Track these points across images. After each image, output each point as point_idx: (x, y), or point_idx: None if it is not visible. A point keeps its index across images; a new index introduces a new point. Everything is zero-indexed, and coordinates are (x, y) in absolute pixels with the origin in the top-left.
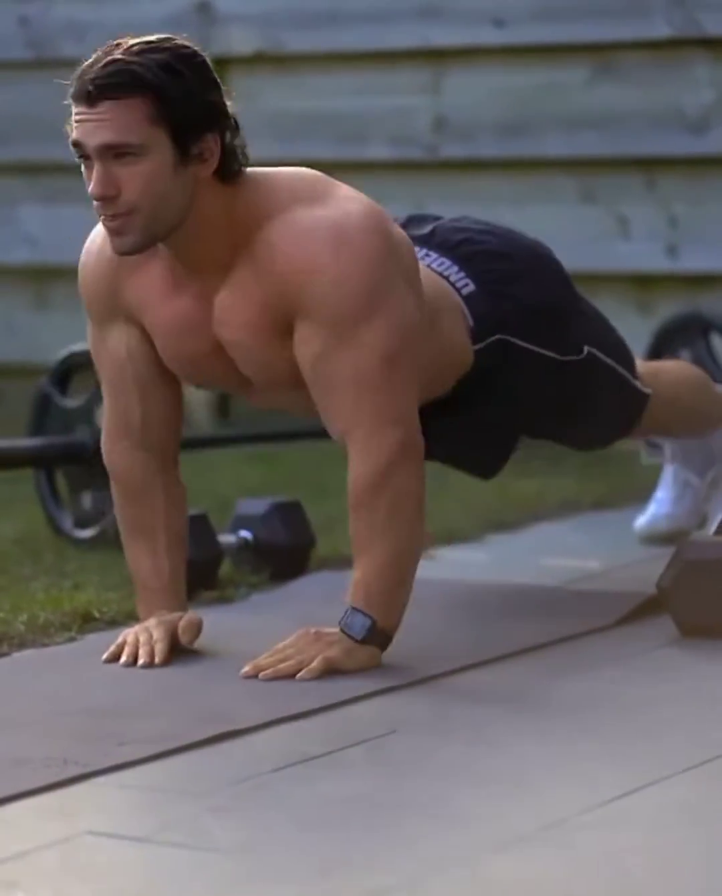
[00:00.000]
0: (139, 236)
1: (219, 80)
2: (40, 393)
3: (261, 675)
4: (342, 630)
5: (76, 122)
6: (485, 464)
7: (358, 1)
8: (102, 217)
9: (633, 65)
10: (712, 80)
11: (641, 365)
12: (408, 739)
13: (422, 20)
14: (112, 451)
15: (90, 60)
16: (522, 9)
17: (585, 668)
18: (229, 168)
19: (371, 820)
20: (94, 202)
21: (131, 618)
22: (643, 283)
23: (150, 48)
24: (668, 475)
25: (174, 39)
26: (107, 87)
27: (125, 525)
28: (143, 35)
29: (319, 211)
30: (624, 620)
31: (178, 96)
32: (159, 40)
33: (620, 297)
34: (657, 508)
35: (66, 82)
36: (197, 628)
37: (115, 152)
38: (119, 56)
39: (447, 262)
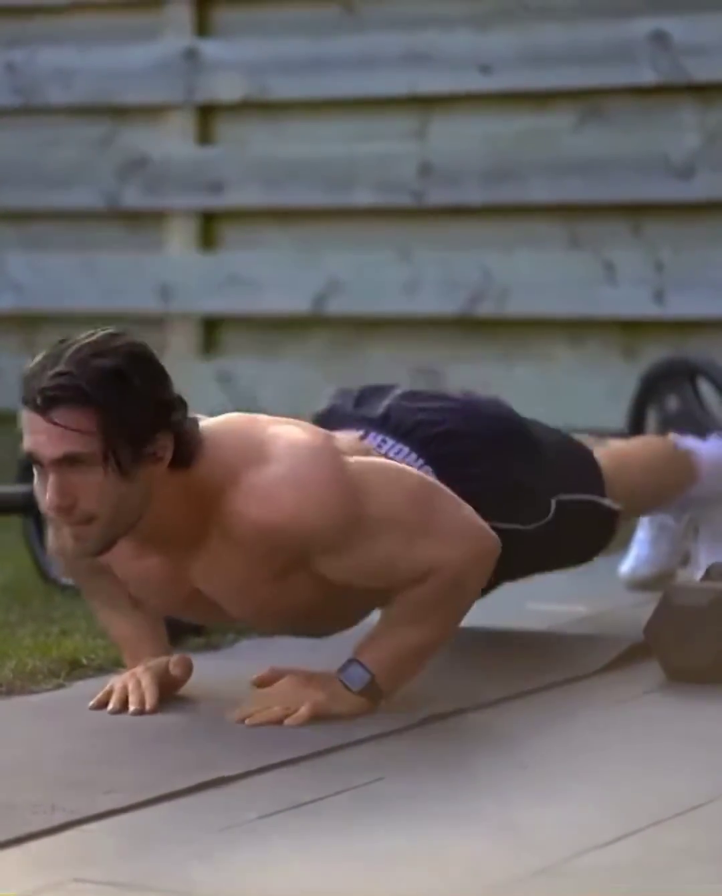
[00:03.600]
0: (99, 541)
1: (166, 373)
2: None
3: (247, 721)
4: (339, 678)
5: (28, 431)
6: None
7: (344, 47)
8: (62, 525)
9: (619, 111)
10: (698, 125)
11: (605, 461)
12: (395, 785)
13: (408, 66)
14: (57, 560)
15: (37, 363)
16: (508, 55)
17: (574, 713)
18: (183, 456)
19: (358, 866)
20: (50, 512)
21: (119, 665)
22: (630, 329)
23: (97, 353)
24: (644, 518)
25: (120, 337)
26: (56, 400)
27: (90, 598)
28: (92, 333)
29: (269, 467)
30: (611, 665)
31: (128, 405)
32: (107, 339)
33: (607, 343)
34: (637, 552)
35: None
36: (188, 665)
37: (69, 462)
38: (65, 368)
39: (405, 450)
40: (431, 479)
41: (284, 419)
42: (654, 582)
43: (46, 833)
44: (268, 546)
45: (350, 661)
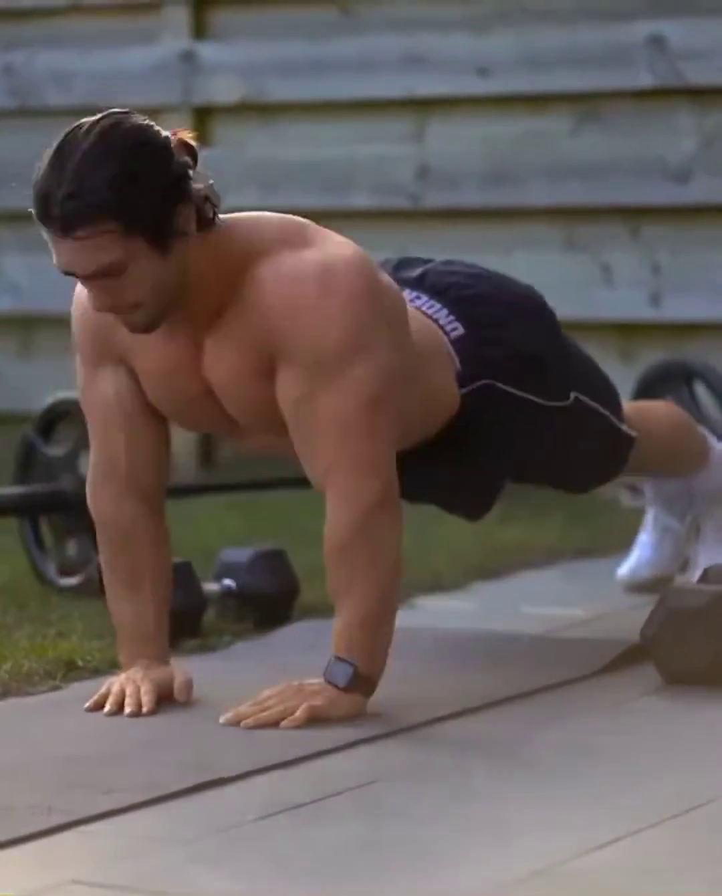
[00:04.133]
0: (152, 320)
1: (168, 148)
2: (24, 441)
3: (243, 723)
4: (326, 679)
5: (54, 248)
6: (472, 506)
7: (342, 50)
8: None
9: (616, 114)
10: (696, 129)
11: (626, 406)
12: (392, 788)
13: (406, 69)
14: (98, 497)
15: (45, 180)
16: (505, 58)
17: (570, 716)
18: (206, 218)
19: (356, 868)
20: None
21: (115, 666)
22: (626, 332)
23: (98, 161)
24: (648, 519)
25: (119, 127)
26: (73, 221)
27: (109, 572)
28: (85, 126)
29: (306, 253)
30: (608, 668)
31: (142, 200)
32: (105, 135)
33: (603, 346)
34: (639, 554)
35: (26, 201)
36: (191, 687)
37: (104, 272)
38: (72, 190)
39: (437, 306)
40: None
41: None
42: (652, 584)
43: (44, 834)
44: (265, 329)
45: (329, 661)
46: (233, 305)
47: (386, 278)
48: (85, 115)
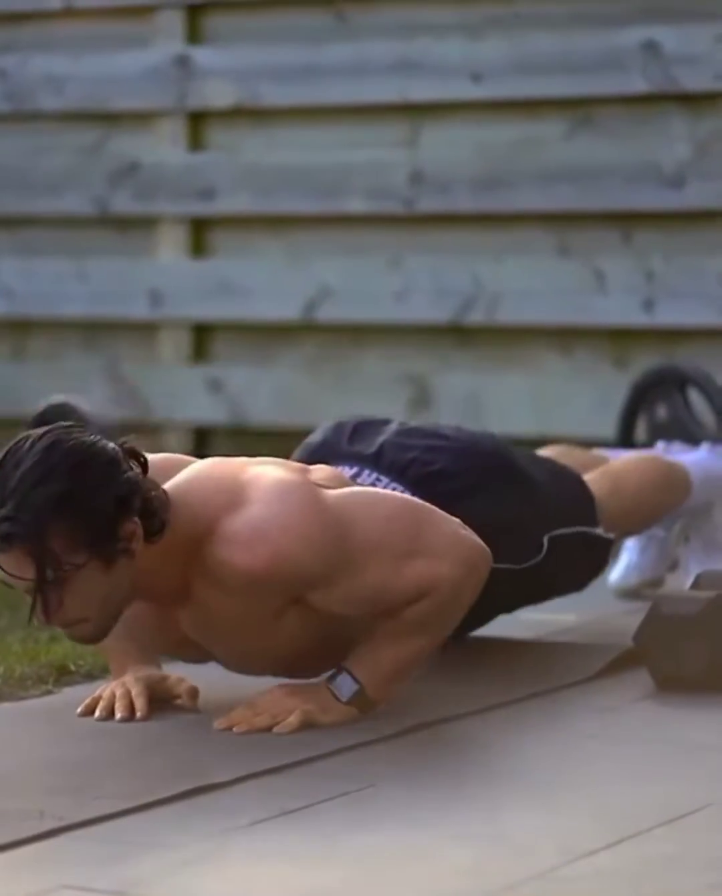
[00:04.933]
0: (98, 632)
1: (116, 462)
2: None
3: (235, 728)
4: (328, 687)
5: None
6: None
7: (336, 55)
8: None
9: (609, 120)
10: (689, 134)
11: (600, 481)
12: (385, 793)
13: (399, 74)
14: None
15: None
16: (499, 63)
17: (563, 721)
18: (153, 529)
19: (348, 874)
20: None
21: (107, 671)
22: (619, 338)
23: (39, 480)
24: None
25: (64, 443)
26: (10, 541)
27: None
28: (28, 442)
29: (247, 513)
30: (601, 674)
31: (83, 520)
32: (48, 452)
33: (597, 352)
34: (627, 559)
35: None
36: (197, 693)
37: (39, 590)
38: (11, 513)
39: (399, 488)
40: (413, 498)
41: (257, 460)
42: (642, 589)
43: (35, 839)
44: (259, 590)
45: (340, 670)
46: (199, 582)
47: (318, 472)
48: (79, 119)
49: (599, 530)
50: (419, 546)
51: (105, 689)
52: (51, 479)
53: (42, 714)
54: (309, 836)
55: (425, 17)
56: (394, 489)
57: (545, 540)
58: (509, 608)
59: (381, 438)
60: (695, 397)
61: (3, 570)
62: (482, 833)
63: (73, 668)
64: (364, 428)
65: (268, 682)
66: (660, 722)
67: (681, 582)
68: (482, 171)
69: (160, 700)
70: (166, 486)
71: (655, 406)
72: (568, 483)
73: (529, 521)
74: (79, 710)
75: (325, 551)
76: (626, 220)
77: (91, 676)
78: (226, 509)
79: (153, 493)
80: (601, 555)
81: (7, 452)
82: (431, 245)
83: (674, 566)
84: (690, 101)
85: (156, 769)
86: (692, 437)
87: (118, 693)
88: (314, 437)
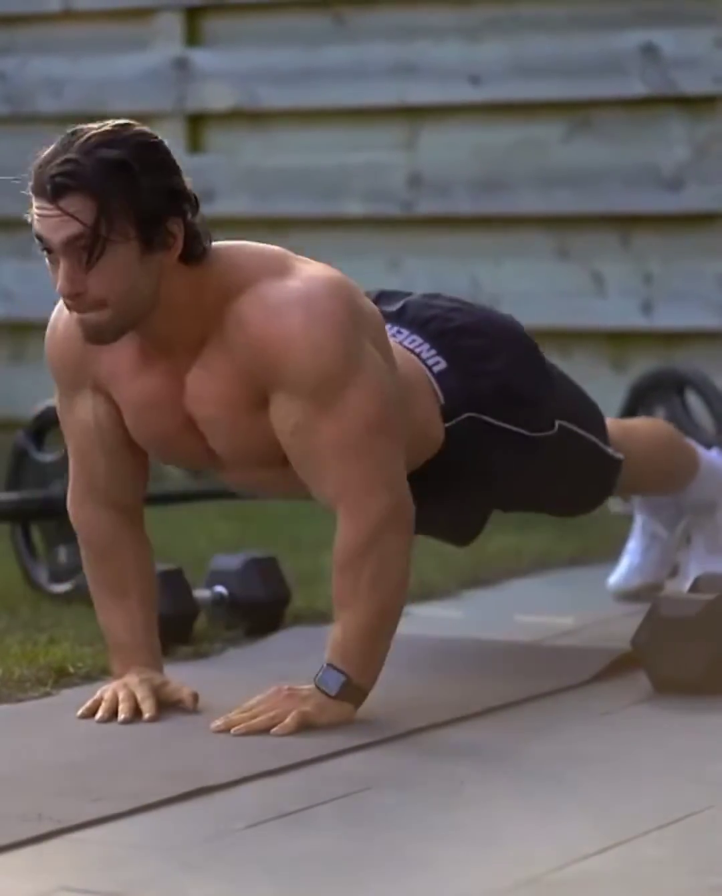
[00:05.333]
0: (110, 328)
1: (177, 165)
2: (16, 447)
3: (233, 730)
4: (317, 686)
5: (37, 216)
6: (459, 535)
7: (334, 58)
8: (73, 312)
9: (608, 122)
10: (688, 137)
11: (612, 425)
12: (381, 796)
13: (398, 77)
14: (79, 510)
15: (48, 152)
16: (497, 66)
17: (560, 724)
18: (194, 250)
19: (344, 877)
20: (63, 297)
21: (106, 673)
22: (618, 340)
23: (104, 142)
24: (636, 526)
25: (131, 127)
26: (65, 185)
27: (95, 584)
28: (106, 120)
29: (286, 282)
30: (599, 677)
31: (134, 193)
32: (116, 130)
33: (595, 354)
34: (628, 561)
35: (16, 179)
36: (197, 698)
37: (76, 246)
38: (74, 155)
39: (418, 340)
40: (400, 422)
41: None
42: (642, 592)
43: (34, 841)
44: (254, 363)
45: (321, 668)
46: (214, 338)
47: (366, 301)
48: (77, 122)
49: (610, 449)
50: (372, 448)
51: (106, 690)
52: (116, 145)
53: (40, 716)
54: (306, 838)
55: (424, 19)
56: (413, 341)
57: (557, 423)
58: (510, 491)
59: (405, 299)
60: (693, 400)
61: (53, 215)
62: (479, 836)
63: (71, 670)
64: (388, 294)
65: (267, 686)
66: (658, 725)
67: (680, 586)
68: (481, 174)
69: (162, 703)
70: (218, 244)
71: (653, 409)
72: (585, 397)
73: (544, 398)
74: (79, 712)
75: (324, 366)
76: (624, 223)
77: (90, 678)
78: (268, 276)
79: (200, 221)
80: (609, 475)
81: (76, 128)
82: (430, 247)
83: (674, 572)
84: (689, 104)
85: (154, 771)
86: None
87: (121, 695)
88: None
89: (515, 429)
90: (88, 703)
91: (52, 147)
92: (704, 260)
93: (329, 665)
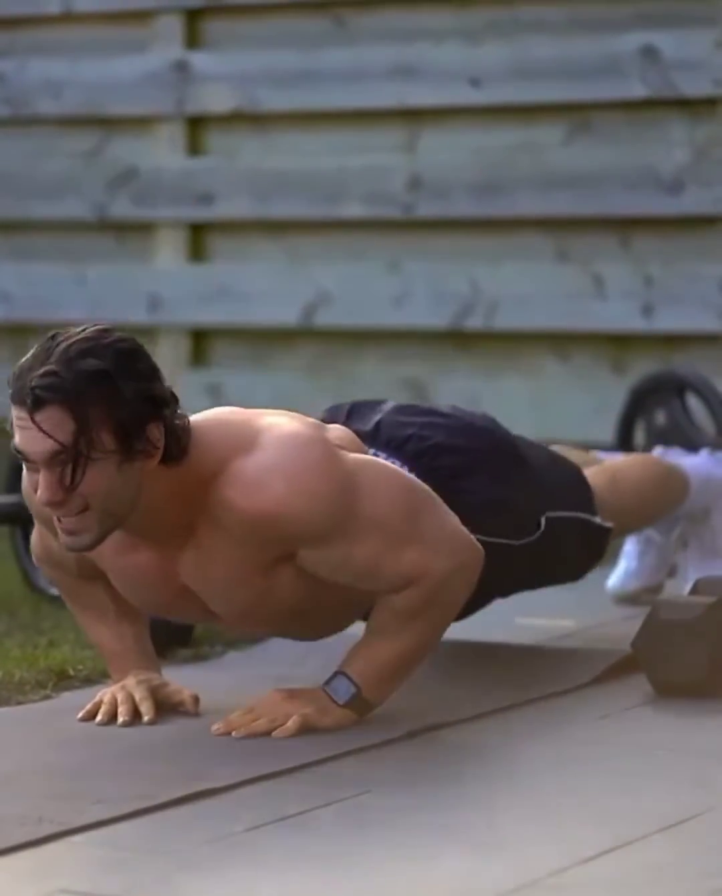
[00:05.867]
0: (93, 534)
1: (156, 369)
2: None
3: (234, 733)
4: (325, 690)
5: (17, 427)
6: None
7: (334, 60)
8: (55, 519)
9: (608, 125)
10: (687, 140)
11: (599, 476)
12: (382, 798)
13: (398, 80)
14: (41, 564)
15: (28, 360)
16: (497, 68)
17: (560, 726)
18: (173, 452)
19: (345, 879)
20: (44, 505)
21: (107, 676)
22: (618, 343)
23: (84, 351)
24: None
25: (111, 334)
26: (42, 399)
27: (75, 611)
28: (79, 328)
29: (256, 456)
30: (599, 679)
31: (116, 404)
32: (94, 337)
33: (595, 357)
34: (625, 565)
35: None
36: (198, 701)
37: (58, 460)
38: (54, 367)
39: (397, 463)
40: (422, 484)
41: (276, 411)
42: (641, 595)
43: (33, 844)
44: (256, 536)
45: (336, 674)
46: (203, 522)
47: (333, 430)
48: (77, 124)
49: (598, 518)
50: (418, 532)
51: (105, 693)
52: (97, 354)
53: (41, 719)
54: (307, 841)
55: (424, 21)
56: (393, 464)
57: (542, 520)
58: (504, 590)
59: (377, 416)
60: (693, 403)
61: (32, 429)
62: (480, 839)
63: (71, 672)
64: (360, 408)
65: (268, 689)
66: (658, 728)
67: (679, 588)
68: (481, 177)
69: (161, 705)
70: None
71: (653, 411)
72: (565, 469)
73: (527, 499)
74: (80, 714)
75: (328, 508)
76: (624, 226)
77: (90, 681)
78: (238, 452)
79: (180, 419)
80: (599, 543)
81: (55, 333)
82: (430, 250)
83: (673, 572)
84: (689, 106)
85: (154, 774)
86: (691, 443)
87: (120, 697)
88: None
89: (502, 541)
90: (88, 706)
91: (32, 353)
92: (705, 262)
93: (343, 673)
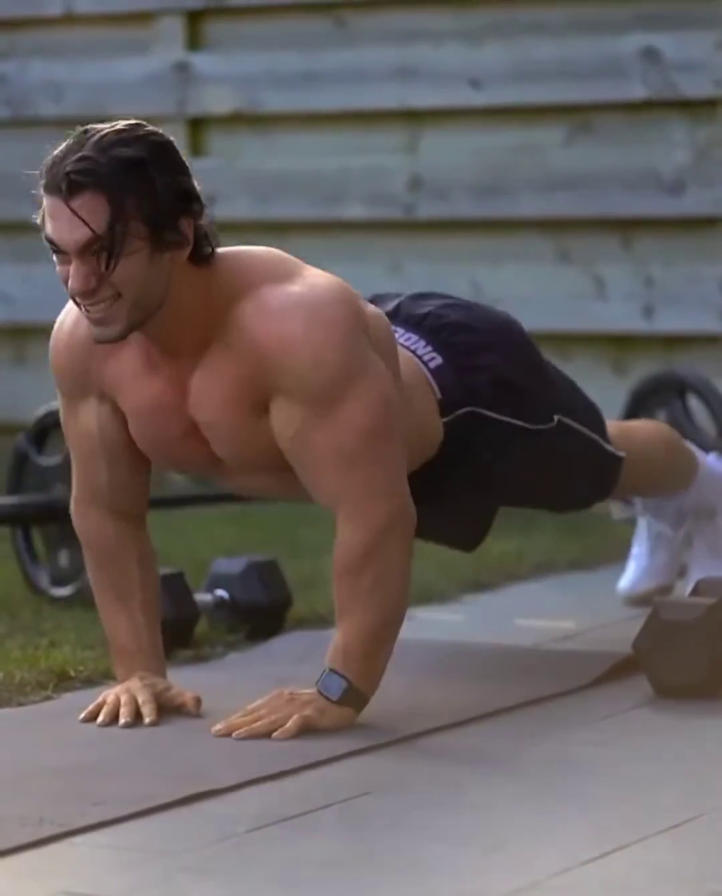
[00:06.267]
0: (122, 324)
1: (188, 165)
2: (17, 451)
3: (234, 734)
4: (318, 691)
5: (50, 216)
6: (465, 538)
7: (335, 61)
8: (84, 309)
9: (609, 126)
10: (689, 141)
11: (612, 427)
12: (382, 800)
13: (399, 81)
14: (82, 517)
15: (61, 151)
16: (498, 70)
17: (561, 728)
18: (202, 251)
19: (345, 881)
20: (76, 296)
21: (108, 677)
22: (619, 344)
23: (119, 140)
24: (641, 528)
25: (143, 127)
26: (79, 184)
27: (99, 589)
28: (114, 121)
29: (289, 288)
30: (599, 681)
31: (148, 192)
32: (128, 129)
33: (596, 358)
34: (636, 566)
35: (32, 174)
36: (200, 703)
37: (90, 247)
38: (89, 153)
39: (414, 337)
40: (401, 429)
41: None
42: (653, 595)
43: (35, 845)
44: (258, 365)
45: (323, 673)
46: (218, 342)
47: (370, 307)
48: (78, 126)
49: (610, 447)
50: (372, 459)
51: (108, 694)
52: (131, 144)
53: (42, 720)
54: (308, 842)
55: (425, 23)
56: (409, 339)
57: (555, 417)
58: (512, 485)
59: (398, 300)
60: (694, 404)
61: (67, 216)
62: (479, 841)
63: (72, 673)
64: (381, 296)
65: (269, 690)
66: (659, 729)
67: (684, 587)
68: (482, 178)
69: (164, 708)
70: (222, 249)
71: (654, 413)
72: (584, 396)
73: (541, 392)
74: (81, 715)
75: (326, 370)
76: (625, 227)
77: (91, 682)
78: (270, 280)
79: (208, 223)
80: (609, 472)
81: (88, 127)
82: (431, 251)
83: (683, 572)
84: (690, 107)
85: (155, 775)
86: (692, 444)
87: (123, 699)
88: None
89: (513, 421)
90: (90, 707)
91: (65, 144)
92: (705, 263)
93: (331, 670)
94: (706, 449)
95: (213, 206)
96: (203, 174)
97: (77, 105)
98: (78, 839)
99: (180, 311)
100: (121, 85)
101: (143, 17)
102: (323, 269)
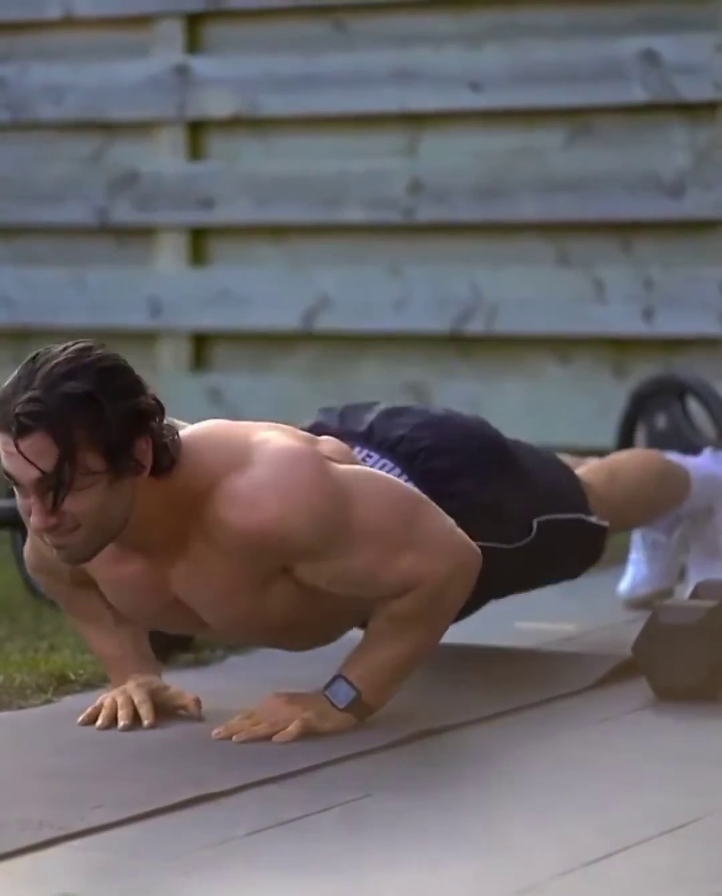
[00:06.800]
0: (84, 550)
1: (140, 383)
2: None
3: (234, 737)
4: (324, 695)
5: (4, 453)
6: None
7: (335, 64)
8: (44, 540)
9: (609, 129)
10: (688, 143)
11: (597, 471)
12: (383, 802)
13: (399, 84)
14: (34, 573)
15: (11, 386)
16: (498, 73)
17: (561, 730)
18: (162, 464)
19: (346, 883)
20: (36, 531)
21: (107, 680)
22: (619, 347)
23: (67, 373)
24: (636, 538)
25: (90, 352)
26: (27, 427)
27: (72, 615)
28: (60, 346)
29: (250, 474)
30: (600, 683)
31: (99, 422)
32: (76, 356)
33: (596, 360)
34: (635, 571)
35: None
36: (200, 705)
37: (44, 486)
38: (36, 393)
39: (389, 464)
40: (415, 490)
41: (269, 424)
42: (653, 600)
43: (34, 849)
44: (250, 552)
45: (336, 678)
46: (197, 538)
47: (325, 443)
48: (78, 129)
49: (593, 518)
50: (413, 538)
51: (106, 697)
52: (79, 376)
53: (41, 723)
54: (307, 845)
55: (424, 26)
56: (384, 466)
57: (535, 524)
58: (500, 591)
59: (370, 417)
60: (694, 406)
61: (18, 455)
62: (481, 843)
63: (72, 677)
64: (352, 409)
65: (268, 691)
66: (659, 732)
67: (683, 591)
68: (481, 181)
69: (162, 709)
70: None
71: (654, 415)
72: (557, 470)
73: (519, 502)
74: (80, 719)
75: (322, 524)
76: (625, 230)
77: (90, 685)
78: (230, 467)
79: (167, 431)
80: (596, 543)
81: (37, 353)
82: (431, 254)
83: (682, 575)
84: (690, 110)
85: (155, 778)
86: (691, 446)
87: (120, 701)
88: (304, 423)
89: (491, 545)
90: (89, 710)
91: (15, 376)
92: (705, 266)
93: (343, 678)
94: (700, 449)
95: (212, 209)
96: (202, 177)
97: (77, 108)
98: (77, 843)
99: (147, 521)
100: (120, 88)
101: (142, 20)
102: (323, 272)
